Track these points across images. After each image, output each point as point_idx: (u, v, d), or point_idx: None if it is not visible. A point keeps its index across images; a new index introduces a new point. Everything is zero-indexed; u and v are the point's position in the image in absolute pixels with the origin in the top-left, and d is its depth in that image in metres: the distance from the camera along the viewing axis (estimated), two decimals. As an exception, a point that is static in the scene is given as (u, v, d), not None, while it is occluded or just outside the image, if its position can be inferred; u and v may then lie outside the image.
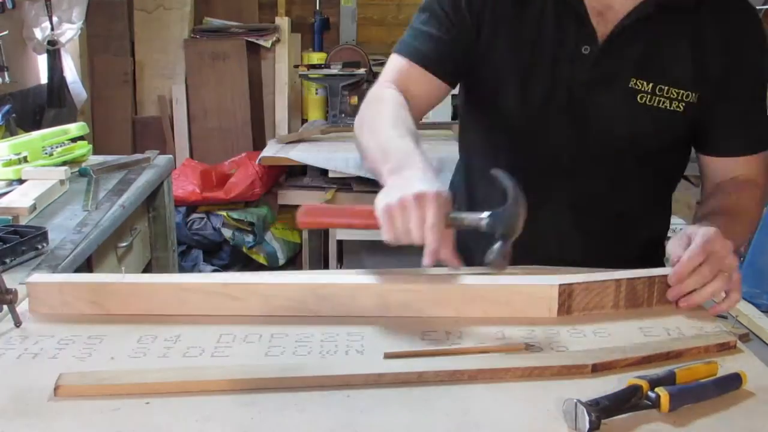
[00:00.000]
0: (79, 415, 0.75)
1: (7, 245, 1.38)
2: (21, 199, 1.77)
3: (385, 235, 0.96)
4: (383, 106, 1.19)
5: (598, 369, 0.86)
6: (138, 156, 2.39)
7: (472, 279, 1.02)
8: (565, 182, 1.26)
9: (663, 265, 1.18)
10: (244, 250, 3.48)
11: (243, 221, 3.45)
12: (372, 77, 3.89)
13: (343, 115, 3.67)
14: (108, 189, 2.01)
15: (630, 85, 1.19)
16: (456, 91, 1.36)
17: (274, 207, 3.59)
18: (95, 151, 2.44)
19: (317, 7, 4.08)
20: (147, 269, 2.40)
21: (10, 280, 1.03)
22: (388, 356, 0.89)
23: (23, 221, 1.66)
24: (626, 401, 0.76)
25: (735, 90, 1.21)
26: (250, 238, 3.47)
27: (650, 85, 1.18)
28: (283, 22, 3.96)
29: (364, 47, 4.01)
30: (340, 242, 3.31)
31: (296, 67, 3.83)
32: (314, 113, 4.03)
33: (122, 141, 3.91)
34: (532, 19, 1.20)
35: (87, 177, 2.05)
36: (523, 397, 0.80)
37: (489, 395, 0.81)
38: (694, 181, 3.13)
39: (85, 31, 3.62)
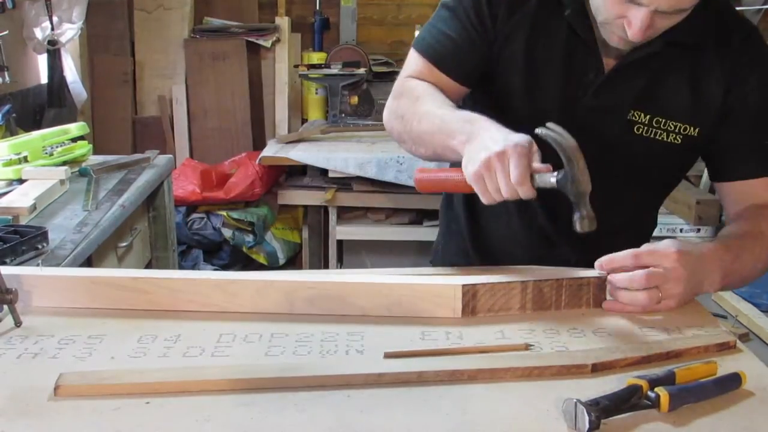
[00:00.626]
0: (79, 415, 0.75)
1: (7, 245, 1.38)
2: (21, 199, 1.77)
3: (483, 198, 1.02)
4: (420, 93, 1.21)
5: (598, 369, 0.86)
6: (138, 156, 2.39)
7: (378, 278, 1.03)
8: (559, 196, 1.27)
9: None
10: (244, 250, 3.47)
11: (243, 221, 3.45)
12: (372, 77, 3.89)
13: (343, 115, 3.67)
14: (108, 189, 2.01)
15: (628, 117, 1.20)
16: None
17: (274, 207, 3.58)
18: (95, 151, 2.44)
19: (317, 7, 4.08)
20: (147, 269, 2.40)
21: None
22: (388, 356, 0.89)
23: (23, 221, 1.66)
24: (626, 401, 0.76)
25: (740, 117, 1.20)
26: (250, 237, 3.47)
27: (647, 117, 1.20)
28: (283, 22, 3.96)
29: (364, 47, 4.01)
30: (340, 242, 3.31)
31: (296, 66, 3.83)
32: (314, 113, 4.03)
33: (122, 141, 3.90)
34: (545, 41, 1.21)
35: (87, 177, 2.05)
36: (523, 396, 0.80)
37: (489, 395, 0.81)
38: (694, 181, 3.14)
39: (85, 31, 3.62)
